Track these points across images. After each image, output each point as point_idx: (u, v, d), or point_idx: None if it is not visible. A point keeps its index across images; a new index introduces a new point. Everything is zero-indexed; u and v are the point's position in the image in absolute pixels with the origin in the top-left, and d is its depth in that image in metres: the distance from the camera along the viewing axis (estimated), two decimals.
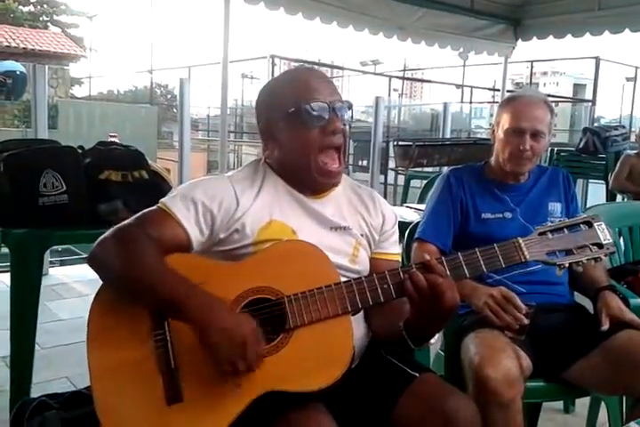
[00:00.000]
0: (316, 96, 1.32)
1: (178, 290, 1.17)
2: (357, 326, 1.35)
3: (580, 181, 6.16)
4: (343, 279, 1.31)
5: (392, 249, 1.51)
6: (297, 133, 1.33)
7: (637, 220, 2.35)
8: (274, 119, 1.36)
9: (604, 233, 1.30)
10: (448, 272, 1.25)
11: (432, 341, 1.34)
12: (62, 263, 4.71)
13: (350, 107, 1.38)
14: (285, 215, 1.36)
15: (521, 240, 1.28)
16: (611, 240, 1.30)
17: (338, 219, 1.41)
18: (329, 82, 1.38)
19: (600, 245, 1.29)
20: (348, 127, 1.38)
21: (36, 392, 1.87)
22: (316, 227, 1.38)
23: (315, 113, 1.31)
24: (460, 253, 1.27)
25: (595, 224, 1.30)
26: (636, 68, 14.09)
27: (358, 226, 1.44)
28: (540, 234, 1.29)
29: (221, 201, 1.32)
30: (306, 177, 1.38)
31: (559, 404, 2.45)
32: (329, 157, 1.35)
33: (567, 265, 1.28)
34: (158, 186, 2.28)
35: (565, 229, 1.30)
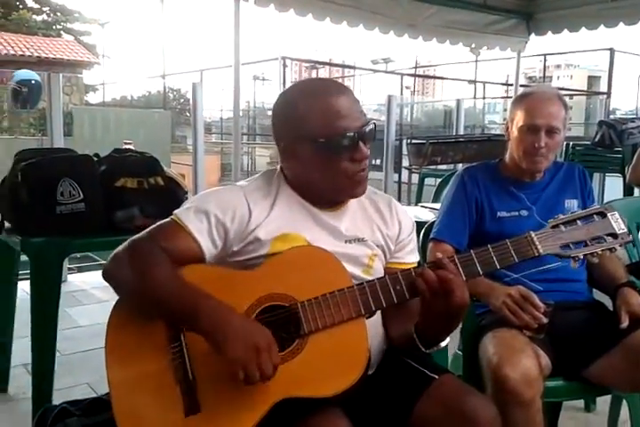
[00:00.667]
0: (347, 125, 1.29)
1: (191, 301, 1.18)
2: (374, 331, 1.35)
3: (596, 176, 6.09)
4: None
5: (408, 258, 1.49)
6: (325, 161, 1.31)
7: None
8: (298, 141, 1.32)
9: (617, 223, 1.27)
10: (461, 270, 1.25)
11: (442, 344, 1.33)
12: (80, 270, 4.75)
13: (375, 126, 1.35)
14: (299, 228, 1.35)
15: (533, 234, 1.26)
16: (625, 230, 1.27)
17: (353, 231, 1.40)
18: (356, 102, 1.34)
19: (615, 236, 1.27)
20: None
21: (57, 399, 1.90)
22: (332, 239, 1.37)
23: (345, 145, 1.29)
24: (472, 251, 1.26)
25: (608, 214, 1.28)
26: None
27: (373, 236, 1.43)
28: (553, 227, 1.27)
29: (234, 213, 1.31)
30: (331, 193, 1.37)
31: (580, 402, 2.43)
32: (357, 175, 1.34)
33: (582, 257, 1.26)
34: (174, 192, 2.30)
35: (579, 221, 1.28)
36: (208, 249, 1.29)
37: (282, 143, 1.37)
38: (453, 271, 1.22)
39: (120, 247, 1.27)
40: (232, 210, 1.31)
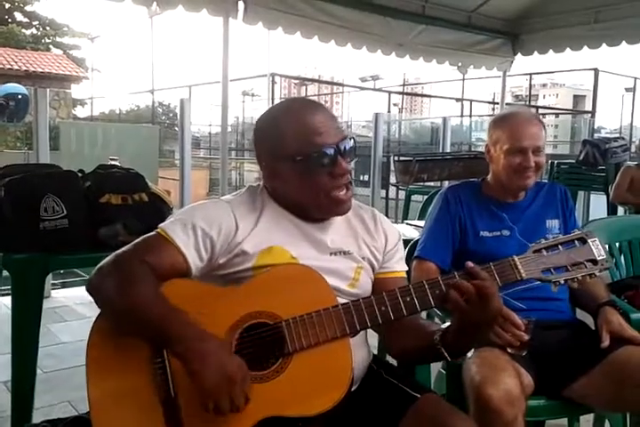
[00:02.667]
0: (324, 141, 1.31)
1: (171, 325, 1.17)
2: (358, 348, 1.35)
3: (581, 194, 6.15)
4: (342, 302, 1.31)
5: (397, 267, 1.51)
6: (305, 178, 1.33)
7: (636, 234, 2.35)
8: (278, 160, 1.34)
9: (598, 249, 1.30)
10: (445, 291, 1.25)
11: (469, 354, 1.33)
12: (64, 285, 4.70)
13: (355, 142, 1.37)
14: (285, 241, 1.36)
15: (516, 258, 1.28)
16: (605, 256, 1.30)
17: (338, 244, 1.41)
18: (333, 119, 1.36)
19: (595, 262, 1.29)
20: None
21: (37, 417, 1.87)
22: (316, 253, 1.39)
23: (323, 161, 1.31)
24: (456, 273, 1.27)
25: (589, 240, 1.30)
26: (635, 78, 14.20)
27: (359, 249, 1.44)
28: (535, 251, 1.29)
29: (220, 226, 1.32)
30: (315, 211, 1.38)
31: (564, 420, 2.42)
32: (339, 191, 1.35)
33: (562, 282, 1.28)
34: (158, 208, 2.30)
35: (560, 246, 1.30)
36: (194, 262, 1.29)
37: (263, 162, 1.39)
38: (489, 278, 1.22)
39: (105, 261, 1.26)
40: (218, 223, 1.32)
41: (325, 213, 1.40)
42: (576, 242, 1.31)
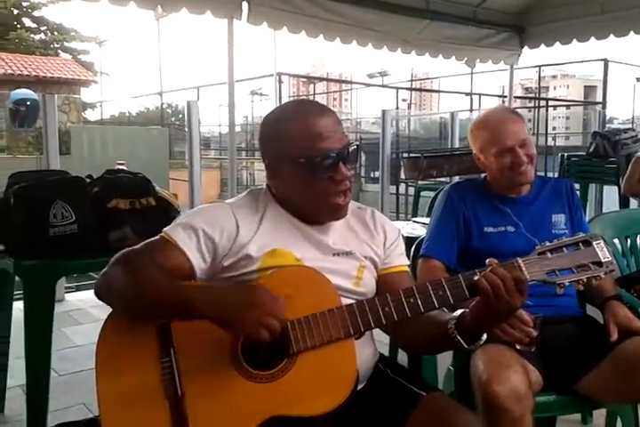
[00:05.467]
0: (327, 147, 1.31)
1: (189, 290, 1.23)
2: (363, 347, 1.36)
3: (592, 186, 6.11)
4: (348, 302, 1.32)
5: (398, 261, 1.51)
6: (306, 180, 1.34)
7: None
8: (281, 160, 1.36)
9: (602, 251, 1.29)
10: (448, 292, 1.26)
11: (484, 337, 1.32)
12: (79, 288, 4.75)
13: (358, 147, 1.39)
14: (288, 244, 1.37)
15: (520, 260, 1.28)
16: (610, 258, 1.29)
17: (340, 245, 1.42)
18: (338, 124, 1.37)
19: (600, 264, 1.28)
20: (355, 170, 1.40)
21: (53, 420, 1.89)
22: (319, 254, 1.40)
23: (325, 166, 1.32)
24: (460, 275, 1.28)
25: (593, 243, 1.30)
26: None
27: (360, 249, 1.45)
28: (540, 253, 1.29)
29: (222, 228, 1.33)
30: (313, 213, 1.40)
31: (577, 415, 2.42)
32: (337, 197, 1.37)
33: (567, 284, 1.28)
34: (166, 211, 2.32)
35: (565, 249, 1.29)
36: (198, 265, 1.31)
37: (266, 160, 1.41)
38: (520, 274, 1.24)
39: (111, 262, 1.30)
40: (220, 225, 1.34)
41: (322, 217, 1.41)
42: (580, 244, 1.30)
